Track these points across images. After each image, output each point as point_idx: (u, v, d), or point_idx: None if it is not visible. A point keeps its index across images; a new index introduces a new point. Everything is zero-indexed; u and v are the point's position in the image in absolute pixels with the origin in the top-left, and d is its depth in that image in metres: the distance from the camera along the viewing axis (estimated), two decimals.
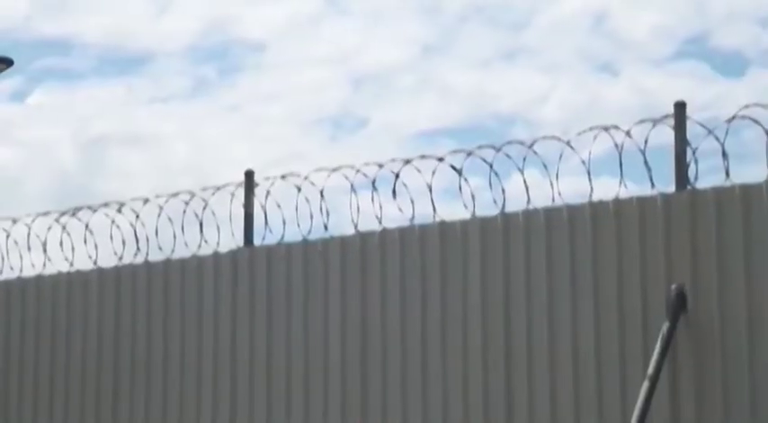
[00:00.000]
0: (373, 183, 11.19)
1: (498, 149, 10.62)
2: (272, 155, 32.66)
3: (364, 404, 11.17)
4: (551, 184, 10.31)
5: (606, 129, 10.06)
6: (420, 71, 34.56)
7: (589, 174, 10.17)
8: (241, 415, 11.84)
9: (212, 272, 12.22)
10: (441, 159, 10.93)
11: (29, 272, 13.45)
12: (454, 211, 10.91)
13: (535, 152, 10.45)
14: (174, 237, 12.47)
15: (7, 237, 13.66)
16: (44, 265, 13.35)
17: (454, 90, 33.39)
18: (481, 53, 34.92)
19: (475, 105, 34.08)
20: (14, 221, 13.62)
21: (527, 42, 34.10)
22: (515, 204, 10.59)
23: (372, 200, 11.21)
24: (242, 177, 12.16)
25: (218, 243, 12.29)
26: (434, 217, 10.96)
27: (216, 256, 12.24)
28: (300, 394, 11.49)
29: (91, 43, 36.38)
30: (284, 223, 11.86)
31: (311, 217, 11.59)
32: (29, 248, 13.50)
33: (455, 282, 10.75)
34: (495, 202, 10.66)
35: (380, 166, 11.17)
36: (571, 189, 10.42)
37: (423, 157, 11.04)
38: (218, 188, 12.25)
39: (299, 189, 11.61)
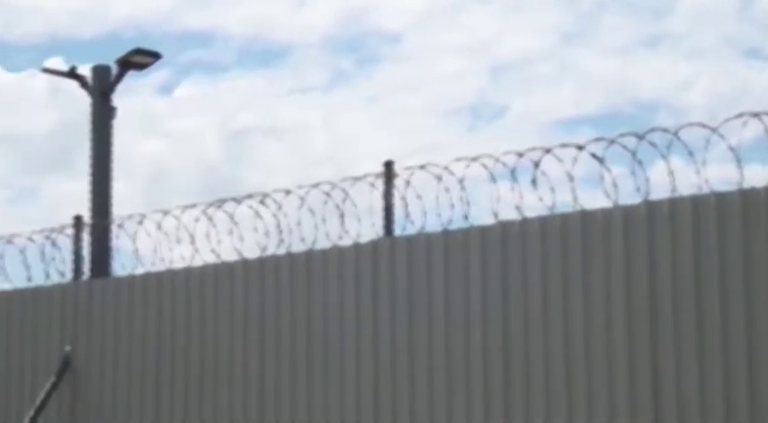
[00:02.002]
0: (513, 172, 10.36)
1: (642, 137, 9.61)
2: (411, 145, 31.70)
3: (506, 397, 10.33)
4: (697, 172, 9.22)
5: (756, 115, 8.98)
6: (559, 59, 33.26)
7: (738, 161, 9.05)
8: (384, 404, 11.01)
9: (353, 263, 11.41)
10: (581, 147, 9.97)
11: (178, 264, 12.70)
12: (595, 200, 9.93)
13: (680, 139, 9.40)
14: (316, 228, 11.65)
15: (158, 228, 12.90)
16: (192, 256, 12.58)
17: (594, 77, 32.05)
18: (621, 40, 33.46)
19: (615, 93, 32.69)
20: (165, 214, 12.87)
21: (670, 28, 32.55)
22: (659, 193, 9.53)
23: (512, 189, 10.30)
24: (381, 168, 11.31)
25: (358, 234, 11.50)
26: (575, 206, 9.94)
27: (357, 247, 11.43)
28: (442, 385, 10.65)
29: (233, 36, 35.84)
30: (424, 213, 11.00)
31: (451, 207, 10.70)
32: (178, 240, 12.75)
33: (597, 271, 9.80)
34: (638, 190, 9.63)
35: (520, 155, 10.25)
36: (718, 177, 9.36)
37: (563, 145, 10.11)
38: (358, 179, 11.47)
39: (439, 179, 10.71)
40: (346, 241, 11.54)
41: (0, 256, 13.80)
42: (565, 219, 10.08)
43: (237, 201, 12.37)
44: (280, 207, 12.02)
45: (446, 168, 10.73)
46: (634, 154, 9.66)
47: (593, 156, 9.90)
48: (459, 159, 10.63)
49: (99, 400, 12.78)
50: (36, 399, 12.90)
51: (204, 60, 36.63)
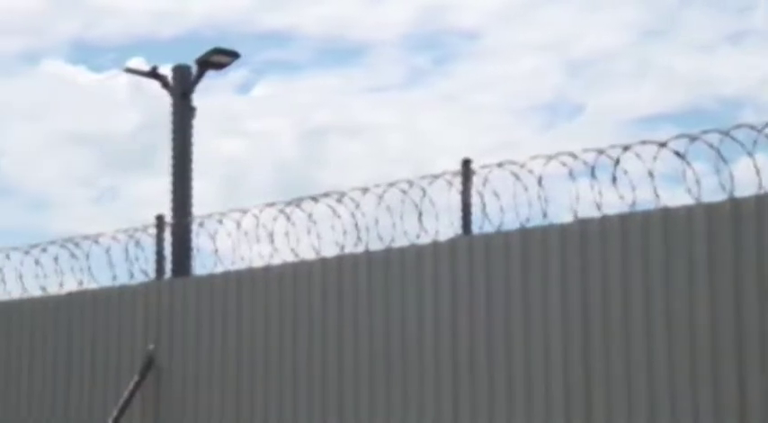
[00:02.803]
0: (592, 169, 9.86)
1: (726, 133, 9.09)
2: (488, 143, 31.11)
3: (587, 397, 9.85)
4: None
5: None
6: (638, 56, 32.43)
7: None
8: (462, 403, 10.61)
9: (431, 261, 11.00)
10: (663, 144, 9.46)
11: (257, 262, 12.34)
12: (677, 197, 9.39)
13: (766, 136, 8.80)
14: (394, 226, 11.26)
15: (237, 227, 12.56)
16: (271, 255, 12.22)
17: (675, 74, 31.17)
18: (704, 36, 32.51)
19: (697, 89, 31.78)
20: (243, 212, 12.53)
21: (755, 25, 31.54)
22: (744, 190, 8.98)
23: (592, 187, 9.82)
24: (459, 166, 10.87)
25: (436, 232, 11.09)
26: (657, 203, 9.42)
27: (435, 245, 11.02)
28: (521, 385, 10.18)
29: (310, 35, 35.44)
30: (502, 211, 10.52)
31: (529, 205, 10.23)
32: (257, 239, 12.39)
33: (679, 270, 9.28)
34: (722, 187, 9.09)
35: (600, 152, 9.77)
36: None
37: (643, 142, 9.62)
38: (436, 177, 11.04)
39: (517, 177, 10.23)
40: (424, 239, 11.15)
41: (86, 255, 13.57)
42: (646, 216, 9.58)
43: (315, 199, 12.00)
44: (357, 205, 11.65)
45: (524, 166, 10.27)
46: (718, 150, 9.14)
47: (676, 153, 9.38)
48: (536, 157, 10.17)
49: (182, 398, 12.48)
50: (120, 398, 12.64)
51: (281, 59, 36.33)
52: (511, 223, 10.52)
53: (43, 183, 35.91)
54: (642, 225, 9.54)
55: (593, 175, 9.82)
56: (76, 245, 13.60)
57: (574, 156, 9.93)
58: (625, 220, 9.69)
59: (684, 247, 9.27)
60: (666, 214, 9.43)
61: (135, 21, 35.03)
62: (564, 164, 10.00)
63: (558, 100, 33.46)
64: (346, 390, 11.40)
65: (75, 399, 13.18)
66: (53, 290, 13.69)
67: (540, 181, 10.20)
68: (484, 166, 10.68)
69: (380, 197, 11.35)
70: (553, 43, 32.41)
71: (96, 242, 13.50)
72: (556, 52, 32.62)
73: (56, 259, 13.70)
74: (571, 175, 10.00)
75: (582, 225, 9.95)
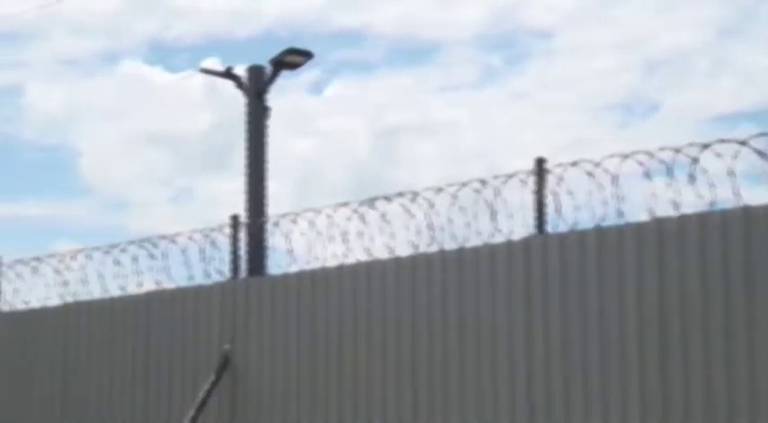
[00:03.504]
0: (669, 168, 9.41)
1: None
2: (561, 141, 30.49)
3: (663, 395, 9.44)
4: None
5: None
6: (715, 54, 31.57)
7: None
8: (538, 401, 10.29)
9: (505, 260, 10.63)
10: (743, 143, 9.01)
11: (331, 262, 12.04)
12: (758, 196, 8.92)
13: None
14: (468, 225, 10.90)
15: (311, 227, 12.26)
16: (345, 254, 11.89)
17: (753, 72, 30.27)
18: None
19: None
20: (317, 212, 12.22)
21: None
22: None
23: (669, 185, 9.37)
24: (532, 165, 10.45)
25: (510, 231, 10.74)
26: (737, 201, 8.94)
27: (509, 244, 10.66)
28: (596, 383, 9.84)
29: (383, 34, 35.02)
30: (576, 210, 10.13)
31: (604, 203, 9.81)
32: (331, 239, 12.08)
33: (760, 269, 8.81)
34: None
35: (677, 150, 9.34)
36: None
37: (722, 141, 9.22)
38: (510, 176, 10.63)
39: (592, 175, 9.79)
40: (498, 238, 10.78)
41: (164, 255, 13.35)
42: (725, 215, 9.14)
43: (389, 199, 11.67)
44: (431, 205, 11.30)
45: (599, 165, 9.84)
46: None
47: (757, 151, 8.90)
48: (612, 155, 9.77)
49: (257, 397, 12.20)
50: (197, 397, 12.39)
51: (354, 59, 35.95)
52: (585, 222, 10.15)
53: (121, 183, 35.95)
54: (721, 224, 9.10)
55: (670, 173, 9.39)
56: (154, 245, 13.40)
57: (650, 154, 9.51)
58: (704, 218, 9.26)
59: (766, 247, 8.80)
60: (747, 212, 8.98)
61: (210, 21, 34.88)
62: (640, 163, 9.59)
63: (633, 98, 32.69)
64: (421, 389, 11.06)
65: (153, 398, 12.97)
66: (132, 290, 13.51)
67: (615, 180, 9.78)
68: (558, 165, 10.30)
69: (454, 196, 11.01)
70: (628, 42, 31.65)
71: (173, 242, 13.29)
72: (631, 51, 31.86)
73: (135, 259, 13.53)
74: (647, 173, 9.60)
75: (659, 224, 9.53)
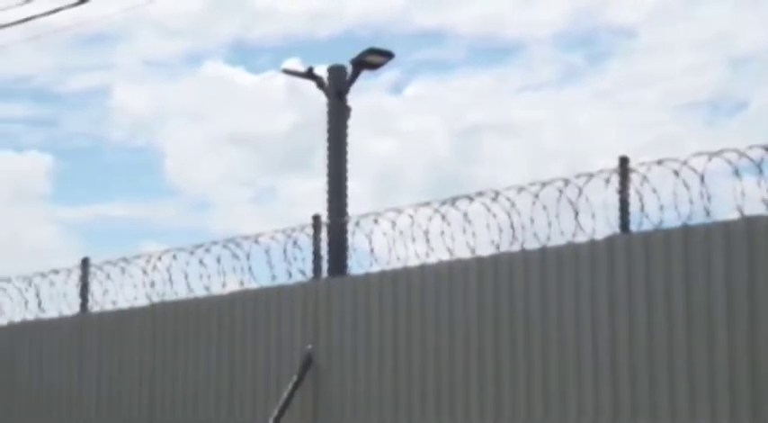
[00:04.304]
0: (759, 166, 8.84)
1: None
2: (645, 140, 29.65)
3: (754, 397, 8.94)
4: None
5: None
6: None
7: None
8: (623, 403, 9.80)
9: (588, 259, 10.16)
10: None
11: (413, 262, 11.63)
12: None
13: None
14: (550, 225, 10.41)
15: (393, 227, 11.87)
16: (427, 254, 11.48)
17: None
18: None
19: None
20: (399, 212, 11.83)
21: None
22: None
23: (758, 184, 8.91)
24: (615, 163, 9.97)
25: (593, 230, 10.22)
26: None
27: (592, 243, 10.18)
28: (684, 384, 9.35)
29: (463, 34, 34.43)
30: (661, 209, 9.60)
31: (690, 202, 9.28)
32: (412, 238, 11.68)
33: None
34: None
35: (767, 148, 8.68)
36: None
37: None
38: (592, 175, 10.15)
39: (677, 174, 9.28)
40: (581, 238, 10.30)
41: (247, 255, 13.05)
42: None
43: (470, 198, 11.25)
44: (513, 204, 10.85)
45: (685, 163, 9.32)
46: None
47: None
48: (699, 154, 9.25)
49: (340, 397, 11.84)
50: (280, 397, 12.06)
51: (435, 59, 35.44)
52: (670, 222, 9.67)
53: (204, 183, 35.88)
54: None
55: (760, 171, 8.86)
56: (238, 245, 13.11)
57: (739, 153, 8.98)
58: None
59: None
60: None
61: (291, 22, 34.67)
62: (729, 161, 9.06)
63: (719, 96, 31.72)
64: (504, 390, 10.63)
65: (237, 398, 12.67)
66: (216, 290, 13.24)
67: (702, 178, 9.26)
68: (642, 164, 9.80)
69: (536, 196, 10.55)
70: (713, 39, 30.67)
71: (256, 242, 12.98)
72: (716, 48, 30.88)
73: (218, 259, 13.23)
74: (736, 171, 9.07)
75: (748, 223, 9.01)
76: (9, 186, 36.76)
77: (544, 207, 10.57)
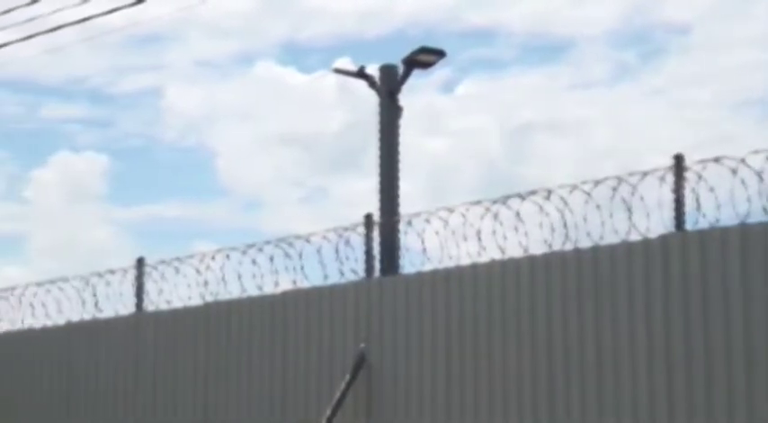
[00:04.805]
0: None
1: None
2: (699, 138, 29.06)
3: None
4: None
5: None
6: None
7: None
8: (678, 405, 9.52)
9: (642, 258, 9.87)
10: None
11: (465, 260, 11.40)
12: None
13: None
14: (603, 223, 10.14)
15: (444, 226, 11.64)
16: (478, 253, 11.25)
17: None
18: None
19: None
20: (450, 211, 11.61)
21: None
22: None
23: None
24: (670, 161, 9.68)
25: (647, 229, 9.90)
26: None
27: (646, 242, 9.87)
28: (741, 382, 9.07)
29: (514, 32, 34.00)
30: (718, 207, 9.31)
31: (748, 200, 8.97)
32: (464, 237, 11.45)
33: None
34: None
35: None
36: None
37: None
38: (646, 173, 9.85)
39: (734, 172, 8.99)
40: (635, 236, 10.01)
41: (299, 255, 12.88)
42: None
43: (522, 197, 10.99)
44: (565, 203, 10.58)
45: (743, 161, 9.02)
46: None
47: None
48: (756, 152, 8.95)
49: (393, 396, 11.63)
50: (333, 396, 11.88)
51: (486, 57, 35.03)
52: (727, 220, 9.37)
53: (256, 183, 35.75)
54: None
55: None
56: (290, 244, 12.94)
57: None
58: None
59: None
60: None
61: (342, 21, 34.43)
62: None
63: None
64: (557, 389, 10.37)
65: (290, 397, 12.50)
66: (269, 289, 13.07)
67: (759, 175, 8.97)
68: (699, 162, 9.50)
69: (588, 194, 10.27)
70: None
71: (308, 241, 12.80)
72: None
73: (271, 259, 13.06)
74: None
75: None
76: (67, 187, 36.89)
77: (597, 206, 10.30)
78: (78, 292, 15.14)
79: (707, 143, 29.31)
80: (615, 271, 10.05)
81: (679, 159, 9.68)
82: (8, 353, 15.69)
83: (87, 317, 15.01)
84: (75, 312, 15.18)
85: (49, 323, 15.42)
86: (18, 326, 15.82)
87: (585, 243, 10.41)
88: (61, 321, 15.34)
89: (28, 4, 13.31)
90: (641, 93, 31.65)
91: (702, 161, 9.46)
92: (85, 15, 13.07)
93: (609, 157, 30.14)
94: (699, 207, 9.56)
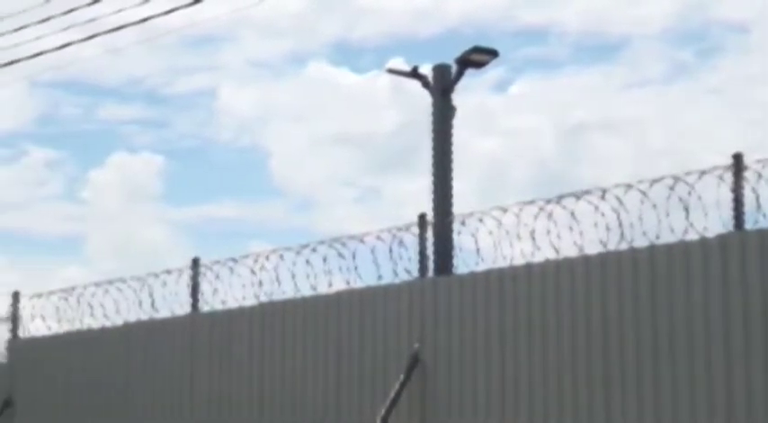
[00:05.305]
0: None
1: None
2: (758, 137, 28.46)
3: None
4: None
5: None
6: None
7: None
8: (737, 402, 9.27)
9: (700, 258, 9.59)
10: None
11: (518, 260, 11.19)
12: None
13: None
14: (659, 222, 9.87)
15: (498, 225, 11.43)
16: (532, 253, 11.03)
17: None
18: None
19: None
20: (504, 210, 11.39)
21: None
22: None
23: None
24: (727, 161, 9.37)
25: (704, 228, 9.61)
26: None
27: (703, 241, 9.58)
28: None
29: (568, 31, 33.59)
30: None
31: None
32: (518, 237, 11.22)
33: None
34: None
35: None
36: None
37: None
38: (704, 172, 9.56)
39: None
40: (692, 236, 9.74)
41: (353, 255, 12.72)
42: None
43: (577, 196, 10.74)
44: (620, 202, 10.33)
45: None
46: None
47: None
48: None
49: (447, 396, 11.43)
50: (387, 396, 11.70)
51: (539, 56, 34.65)
52: None
53: (309, 183, 35.62)
54: None
55: None
56: (344, 245, 12.77)
57: None
58: None
59: None
60: None
61: (394, 21, 34.20)
62: None
63: None
64: (614, 389, 10.13)
65: (344, 397, 12.33)
66: (323, 289, 12.92)
67: None
68: (759, 161, 9.21)
69: (644, 194, 10.02)
70: None
71: (362, 242, 12.64)
72: None
73: (325, 259, 12.91)
74: None
75: None
76: (124, 187, 37.04)
77: (654, 205, 10.05)
78: (135, 292, 15.09)
79: (764, 143, 28.75)
80: (672, 271, 9.80)
81: (738, 158, 9.41)
82: (68, 353, 15.68)
83: (144, 317, 14.96)
84: (132, 313, 15.15)
85: (108, 323, 15.39)
86: (77, 326, 15.82)
87: (641, 242, 10.16)
88: (119, 321, 15.31)
89: (89, 4, 13.22)
90: (699, 92, 31.11)
91: (762, 160, 9.19)
92: (145, 16, 12.98)
93: (665, 157, 29.64)
94: (759, 206, 9.28)
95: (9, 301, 16.89)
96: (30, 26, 13.82)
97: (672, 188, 9.82)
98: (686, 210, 9.75)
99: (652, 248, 10.01)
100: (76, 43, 13.77)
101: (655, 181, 9.97)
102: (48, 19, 13.62)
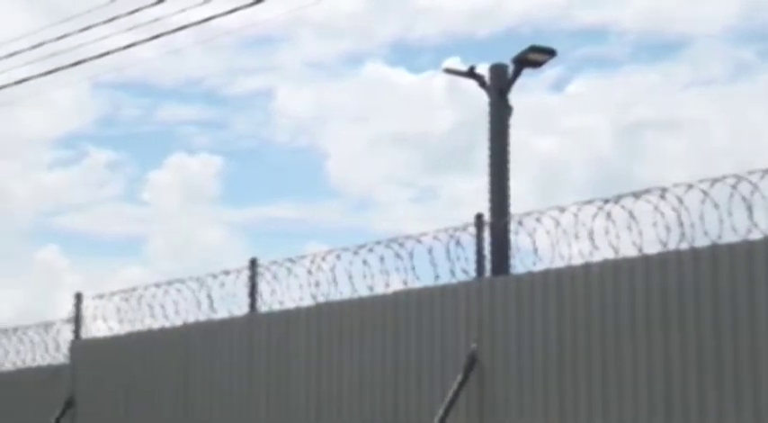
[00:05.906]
0: None
1: None
2: None
3: None
4: None
5: None
6: None
7: None
8: None
9: (764, 257, 9.28)
10: None
11: (577, 260, 10.94)
12: None
13: None
14: (721, 221, 9.56)
15: (556, 225, 11.19)
16: (591, 253, 10.77)
17: None
18: None
19: None
20: (562, 210, 11.16)
21: None
22: None
23: None
24: None
25: None
26: None
27: (767, 240, 9.19)
28: None
29: (627, 29, 33.11)
30: None
31: None
32: (576, 237, 10.98)
33: None
34: None
35: None
36: None
37: None
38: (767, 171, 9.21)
39: None
40: (755, 235, 9.44)
41: (410, 255, 12.53)
42: None
43: (636, 196, 10.47)
44: (681, 201, 10.04)
45: None
46: None
47: None
48: None
49: (505, 397, 11.20)
50: (445, 397, 11.49)
51: (597, 55, 34.20)
52: None
53: (366, 184, 35.45)
54: None
55: None
56: (401, 245, 12.58)
57: None
58: None
59: None
60: None
61: (452, 21, 33.92)
62: None
63: None
64: (674, 390, 9.85)
65: (402, 397, 12.13)
66: (380, 289, 12.74)
67: None
68: None
69: (705, 193, 9.72)
70: None
71: (419, 242, 12.44)
72: None
73: (382, 259, 12.73)
74: None
75: None
76: (182, 188, 37.13)
77: (715, 205, 9.75)
78: (194, 293, 15.01)
79: None
80: (735, 270, 9.50)
81: None
82: (128, 354, 15.64)
83: (203, 318, 14.87)
84: (191, 313, 15.08)
85: (167, 324, 15.32)
86: (138, 327, 15.77)
87: (703, 242, 9.88)
88: (178, 322, 15.23)
89: (153, 5, 13.11)
90: (761, 91, 30.50)
91: None
92: (206, 16, 12.85)
93: (727, 157, 29.09)
94: None
95: (72, 301, 16.92)
96: (95, 26, 13.72)
97: (734, 187, 9.52)
98: (749, 209, 9.44)
99: (714, 248, 9.72)
100: (140, 43, 13.67)
101: (716, 180, 9.67)
102: (113, 19, 13.51)
